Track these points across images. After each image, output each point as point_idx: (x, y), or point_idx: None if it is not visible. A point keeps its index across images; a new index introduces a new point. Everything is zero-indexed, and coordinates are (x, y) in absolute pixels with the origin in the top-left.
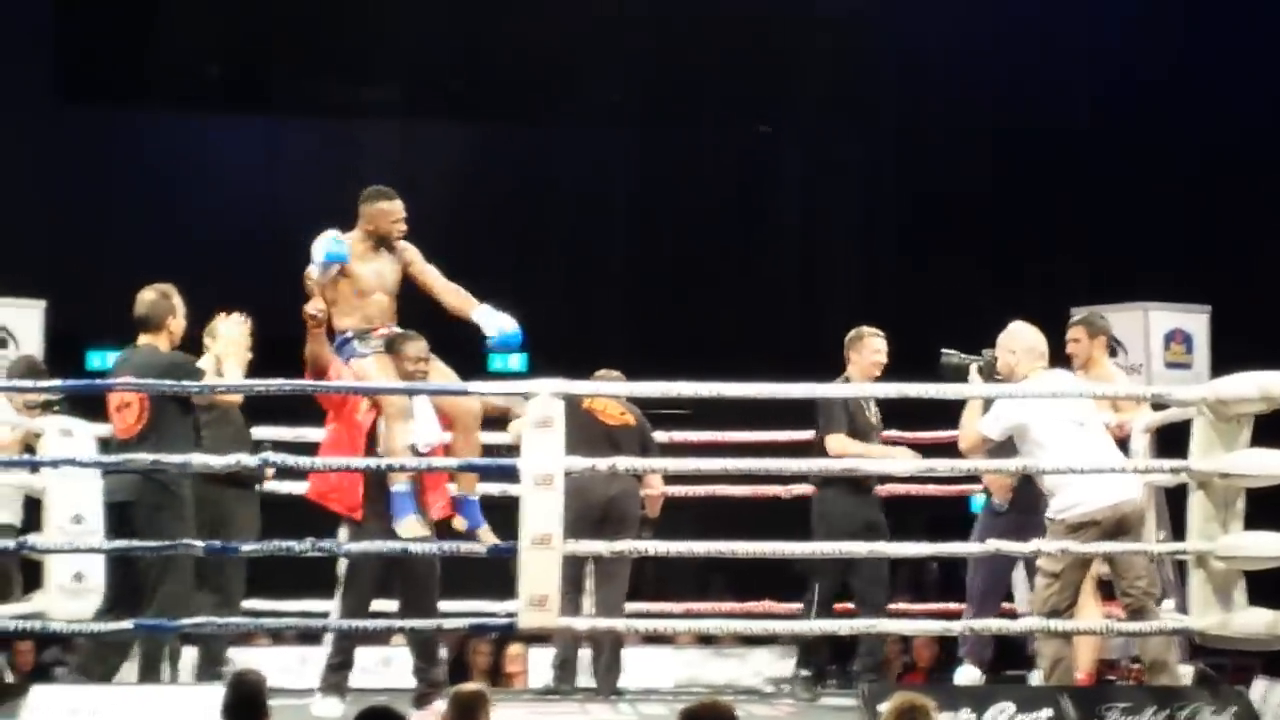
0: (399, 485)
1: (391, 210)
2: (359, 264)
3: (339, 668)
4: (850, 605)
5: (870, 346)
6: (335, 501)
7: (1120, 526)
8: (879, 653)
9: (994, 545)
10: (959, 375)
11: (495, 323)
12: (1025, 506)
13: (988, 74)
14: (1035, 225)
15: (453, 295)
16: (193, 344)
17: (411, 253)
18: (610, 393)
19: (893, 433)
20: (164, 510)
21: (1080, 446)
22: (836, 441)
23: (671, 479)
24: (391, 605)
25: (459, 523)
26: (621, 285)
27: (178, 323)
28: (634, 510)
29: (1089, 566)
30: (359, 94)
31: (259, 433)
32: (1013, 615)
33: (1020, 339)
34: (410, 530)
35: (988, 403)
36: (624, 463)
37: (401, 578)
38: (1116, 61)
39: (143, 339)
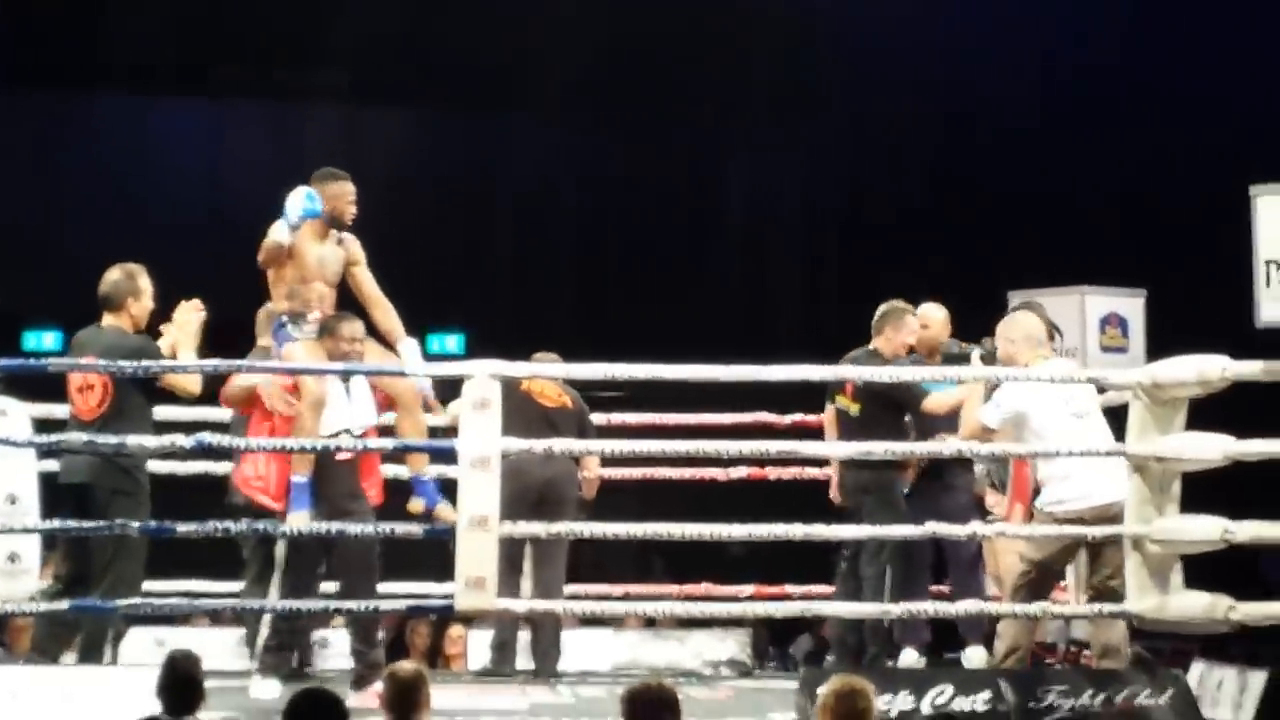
0: (298, 476)
1: (346, 191)
2: (306, 246)
3: (277, 649)
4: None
5: (909, 325)
6: (259, 490)
7: (1110, 525)
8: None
9: (931, 527)
10: (960, 364)
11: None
12: (931, 492)
13: (929, 62)
14: (974, 210)
15: (382, 312)
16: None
17: (358, 251)
18: (548, 374)
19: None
20: (122, 494)
21: (1078, 440)
22: (934, 400)
23: (610, 461)
24: (330, 587)
25: (415, 504)
26: (566, 270)
27: (139, 305)
28: (571, 492)
29: (1069, 559)
30: (305, 78)
31: (191, 413)
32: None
33: (1019, 327)
34: (300, 524)
35: (989, 390)
36: (561, 444)
37: (339, 561)
38: (1059, 50)
39: (106, 319)
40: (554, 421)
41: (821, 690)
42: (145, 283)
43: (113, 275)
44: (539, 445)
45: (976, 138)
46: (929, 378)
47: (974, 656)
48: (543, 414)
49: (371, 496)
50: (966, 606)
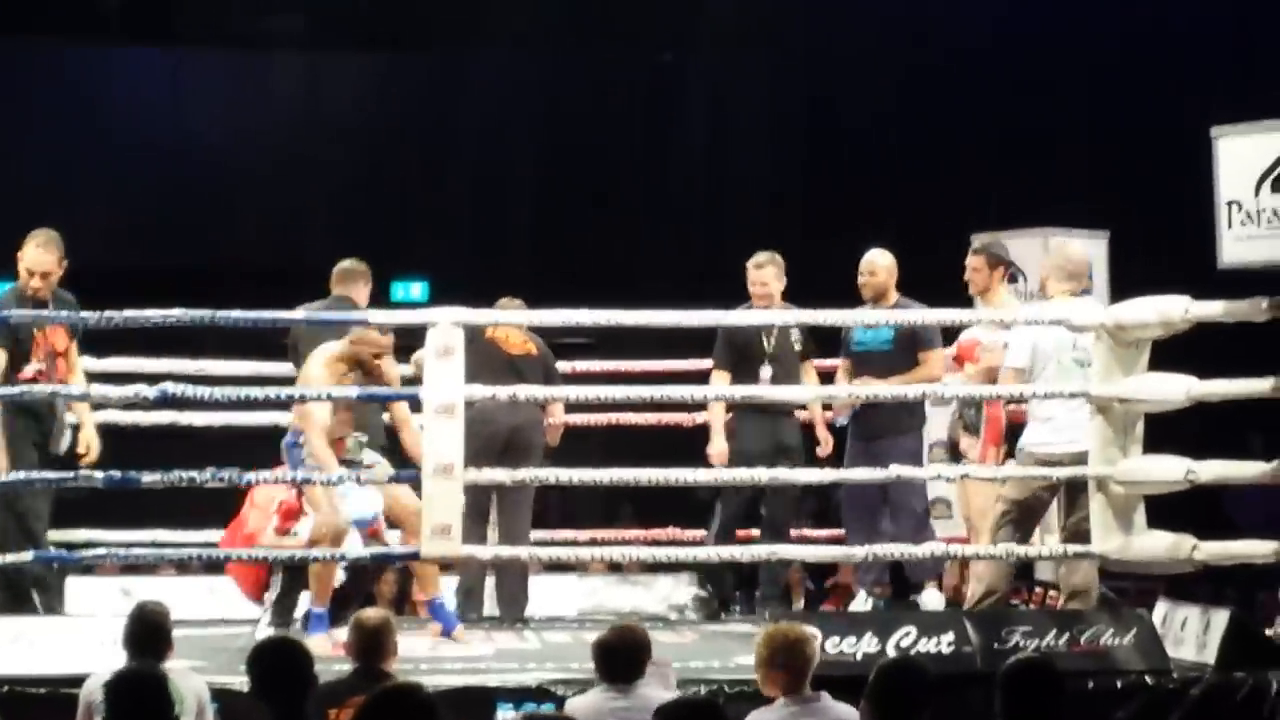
0: (317, 608)
1: (379, 344)
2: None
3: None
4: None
5: (748, 277)
6: (237, 579)
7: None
8: (781, 580)
9: (895, 470)
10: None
11: None
12: (871, 433)
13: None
14: (937, 150)
15: (414, 437)
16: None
17: (393, 376)
18: (512, 321)
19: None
20: None
21: (1073, 385)
22: (713, 374)
23: (577, 407)
24: None
25: (434, 628)
26: (527, 213)
27: (22, 264)
28: (538, 439)
29: (1050, 499)
30: (263, 23)
31: (160, 365)
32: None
33: (1057, 255)
34: (319, 649)
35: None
36: (526, 391)
37: None
38: None
39: None
40: (519, 369)
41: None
42: (29, 249)
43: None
44: (503, 392)
45: (938, 80)
46: (875, 322)
47: (930, 599)
48: (508, 361)
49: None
50: (931, 549)
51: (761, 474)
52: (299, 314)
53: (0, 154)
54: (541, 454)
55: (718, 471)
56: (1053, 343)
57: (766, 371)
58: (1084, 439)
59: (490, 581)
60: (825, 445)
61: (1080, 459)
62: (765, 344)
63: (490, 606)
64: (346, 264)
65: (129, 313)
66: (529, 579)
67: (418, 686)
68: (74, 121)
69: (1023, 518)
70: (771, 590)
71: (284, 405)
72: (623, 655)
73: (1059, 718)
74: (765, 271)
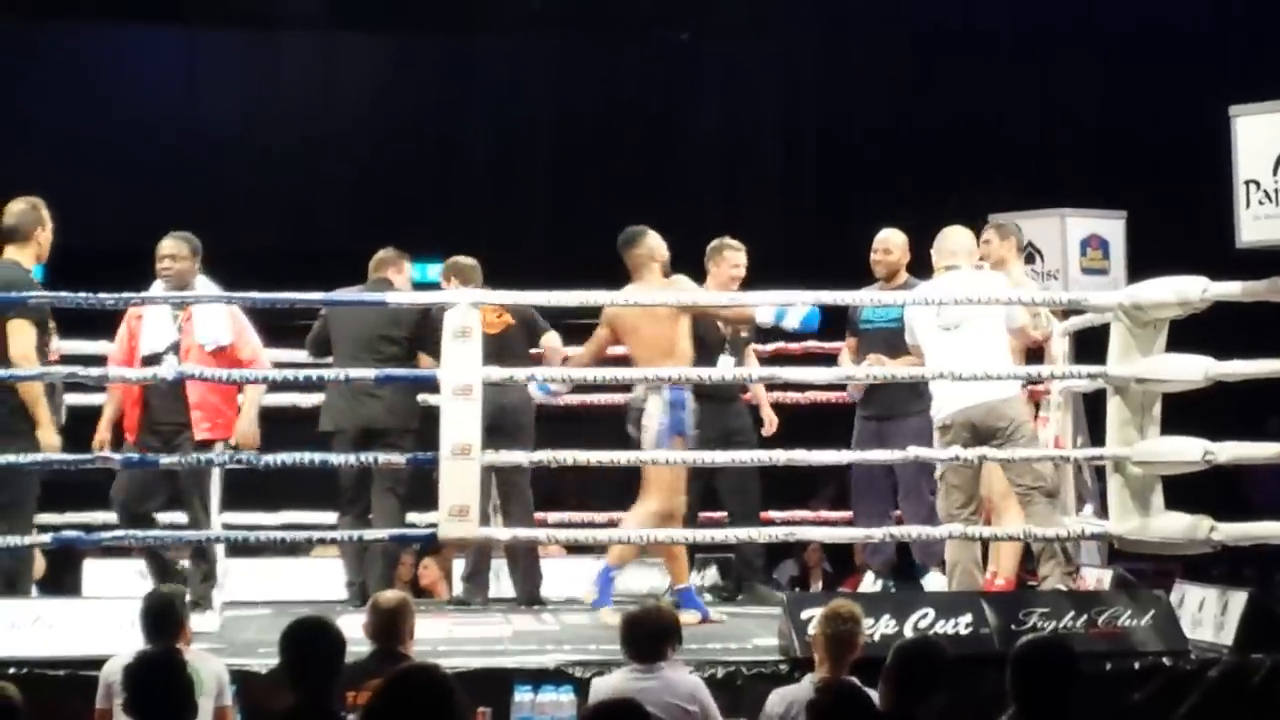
0: (681, 586)
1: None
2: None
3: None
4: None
5: (729, 260)
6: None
7: (977, 430)
8: (757, 562)
9: (913, 452)
10: None
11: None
12: (879, 413)
13: None
14: (953, 132)
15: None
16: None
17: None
18: (524, 302)
19: (811, 343)
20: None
21: (944, 351)
22: None
23: (592, 388)
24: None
25: (690, 616)
26: (542, 194)
27: (46, 235)
28: (526, 420)
29: (972, 470)
30: (278, 4)
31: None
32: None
33: (939, 239)
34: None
35: None
36: (544, 372)
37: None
38: None
39: (8, 251)
40: (497, 349)
41: (808, 614)
42: (47, 214)
43: (17, 207)
44: (520, 374)
45: (954, 61)
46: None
47: (933, 583)
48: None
49: (203, 427)
50: (947, 531)
51: (779, 455)
52: (317, 295)
53: (12, 134)
54: (531, 436)
55: (730, 454)
56: (918, 316)
57: (729, 360)
58: (960, 398)
59: (499, 564)
60: (769, 425)
61: (967, 418)
62: (723, 331)
63: (498, 589)
64: (384, 252)
65: (148, 293)
66: (540, 560)
67: (434, 668)
68: (86, 102)
69: (950, 488)
70: (748, 572)
71: (302, 386)
72: (649, 633)
73: (1070, 697)
74: (744, 254)
